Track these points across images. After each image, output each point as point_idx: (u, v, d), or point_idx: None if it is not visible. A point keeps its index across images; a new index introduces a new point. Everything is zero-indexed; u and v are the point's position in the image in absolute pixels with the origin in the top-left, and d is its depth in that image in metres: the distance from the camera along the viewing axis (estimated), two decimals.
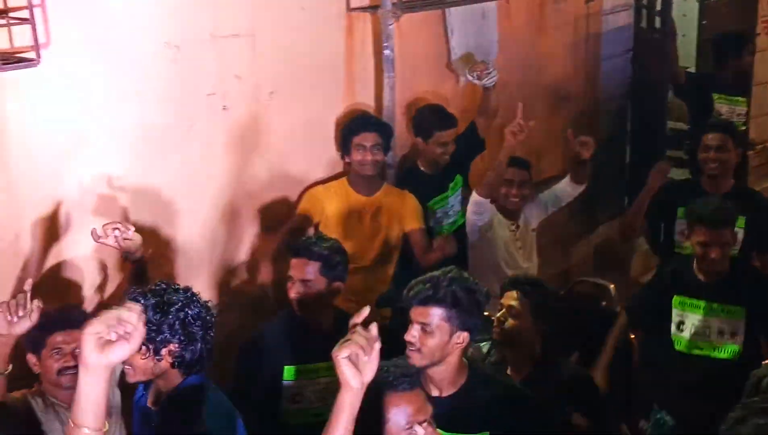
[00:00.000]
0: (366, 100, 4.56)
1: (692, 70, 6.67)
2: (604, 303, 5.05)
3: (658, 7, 5.80)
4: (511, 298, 3.41)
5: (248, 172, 4.12)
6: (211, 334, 2.56)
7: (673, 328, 3.84)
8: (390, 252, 4.38)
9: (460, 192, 4.75)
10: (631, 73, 6.33)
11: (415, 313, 2.76)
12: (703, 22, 6.60)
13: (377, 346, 2.05)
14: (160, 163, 3.75)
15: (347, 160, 4.30)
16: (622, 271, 6.31)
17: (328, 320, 3.37)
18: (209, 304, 2.59)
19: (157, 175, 3.75)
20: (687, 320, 3.82)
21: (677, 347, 3.85)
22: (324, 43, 4.31)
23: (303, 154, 4.35)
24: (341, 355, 2.01)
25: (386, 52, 4.29)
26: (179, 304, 2.47)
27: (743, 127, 6.22)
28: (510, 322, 3.39)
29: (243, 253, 4.22)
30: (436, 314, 2.74)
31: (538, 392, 3.17)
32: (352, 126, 4.25)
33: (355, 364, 2.01)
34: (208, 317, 2.54)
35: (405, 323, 2.82)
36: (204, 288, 3.56)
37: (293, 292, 3.34)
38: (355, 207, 4.28)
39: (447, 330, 2.75)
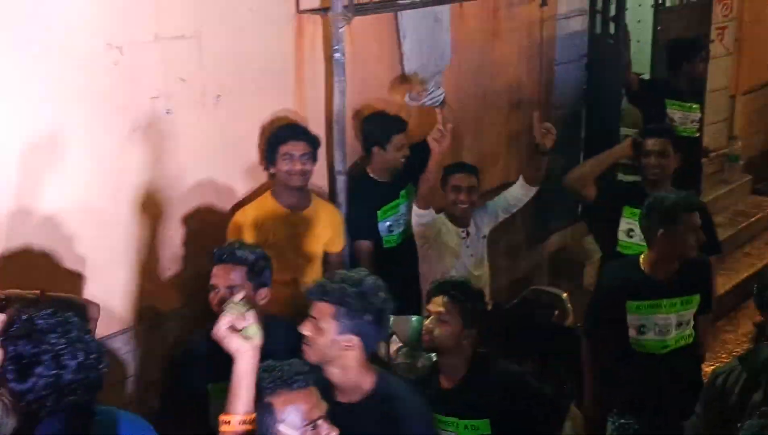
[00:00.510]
0: (316, 104, 4.53)
1: (647, 76, 6.75)
2: (557, 312, 5.09)
3: (612, 12, 5.84)
4: (439, 305, 3.40)
5: (192, 179, 4.07)
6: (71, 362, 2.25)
7: (632, 332, 3.91)
8: (315, 267, 4.29)
9: (411, 202, 4.74)
10: (585, 79, 6.38)
11: (311, 307, 2.80)
12: (658, 28, 6.67)
13: (251, 311, 2.33)
14: (96, 167, 3.68)
15: (272, 170, 4.17)
16: (575, 279, 6.37)
17: None
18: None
19: (94, 179, 3.68)
20: (648, 322, 3.91)
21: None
22: (273, 46, 4.28)
23: (252, 160, 4.31)
24: (221, 329, 2.28)
25: (336, 55, 4.27)
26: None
27: (697, 134, 6.33)
28: (439, 329, 3.38)
29: (178, 262, 4.14)
30: (322, 310, 2.75)
31: (472, 397, 3.26)
32: (280, 135, 4.14)
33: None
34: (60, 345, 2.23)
35: None
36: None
37: (217, 301, 3.26)
38: (280, 221, 4.14)
39: (334, 329, 2.75)
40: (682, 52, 6.09)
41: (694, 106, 6.22)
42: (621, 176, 5.97)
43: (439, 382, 3.44)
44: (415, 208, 4.41)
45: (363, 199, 4.59)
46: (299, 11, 4.33)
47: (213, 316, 2.63)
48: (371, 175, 4.67)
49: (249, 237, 3.97)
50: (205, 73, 4.00)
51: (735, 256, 7.16)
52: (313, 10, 4.37)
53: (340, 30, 4.21)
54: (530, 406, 3.37)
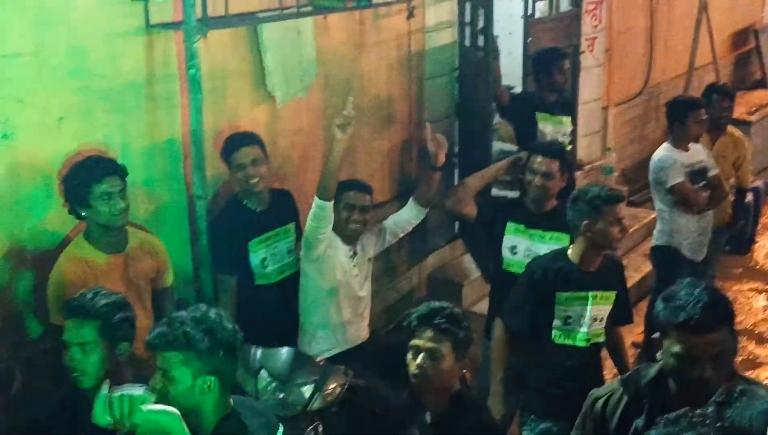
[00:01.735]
0: (171, 124, 4.39)
1: (519, 89, 6.88)
2: None
3: (481, 24, 5.90)
4: (428, 340, 3.21)
5: (37, 210, 3.87)
6: None
7: (558, 323, 4.10)
8: (146, 308, 4.09)
9: (293, 241, 4.66)
10: (457, 92, 6.44)
11: (157, 358, 2.70)
12: (528, 40, 6.79)
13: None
14: None
15: (84, 214, 3.82)
16: (454, 299, 6.39)
17: None
18: None
19: None
20: (575, 313, 4.10)
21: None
22: (121, 63, 4.13)
23: None
24: None
25: (192, 71, 4.14)
26: None
27: (569, 147, 6.46)
28: (433, 366, 3.20)
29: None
30: (170, 359, 2.66)
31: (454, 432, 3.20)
32: (93, 173, 3.77)
33: None
34: None
35: None
36: None
37: (68, 361, 3.09)
38: (100, 268, 3.87)
39: (187, 375, 2.66)
40: (540, 63, 6.23)
41: (565, 119, 6.36)
42: (495, 192, 6.05)
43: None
44: (316, 199, 4.34)
45: (229, 228, 4.45)
46: (149, 26, 4.19)
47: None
48: (244, 202, 4.54)
49: (70, 294, 3.62)
50: (46, 94, 3.82)
51: None
52: (164, 25, 4.23)
53: (195, 45, 4.08)
54: None
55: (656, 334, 2.72)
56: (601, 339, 4.23)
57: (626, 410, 2.73)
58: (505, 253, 4.71)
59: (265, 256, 4.55)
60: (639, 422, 2.67)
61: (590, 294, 4.10)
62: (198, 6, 4.12)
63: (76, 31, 3.93)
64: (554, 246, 4.47)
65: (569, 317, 4.12)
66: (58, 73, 3.87)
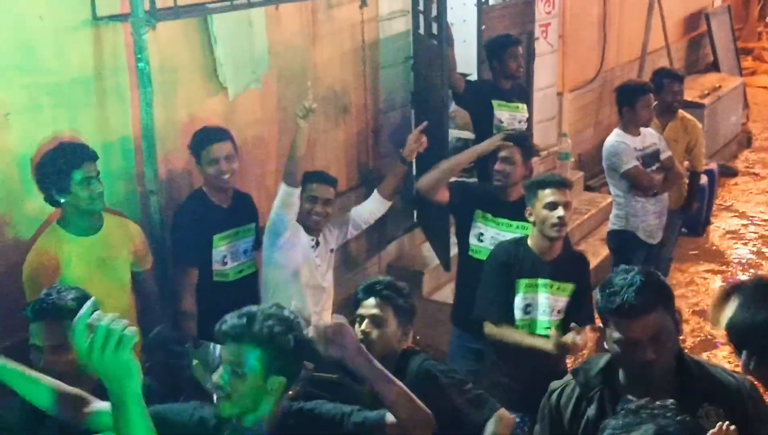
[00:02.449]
0: (122, 118, 4.32)
1: (474, 77, 6.87)
2: None
3: (435, 12, 5.87)
4: (371, 307, 3.39)
5: None
6: None
7: (519, 313, 4.12)
8: (126, 292, 4.10)
9: (252, 242, 4.62)
10: (412, 81, 6.41)
11: (226, 351, 2.60)
12: (482, 27, 6.78)
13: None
14: None
15: (63, 200, 3.81)
16: (414, 288, 6.38)
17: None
18: None
19: None
20: (535, 301, 4.14)
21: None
22: (69, 57, 4.05)
23: None
24: None
25: (141, 64, 4.07)
26: None
27: (526, 134, 6.47)
28: (376, 332, 3.37)
29: None
30: (247, 353, 2.57)
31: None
32: (72, 159, 3.78)
33: None
34: None
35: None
36: None
37: (46, 362, 2.97)
38: (76, 252, 3.88)
39: (260, 372, 2.58)
40: (493, 50, 6.23)
41: (521, 106, 6.36)
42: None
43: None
44: (282, 185, 4.36)
45: (193, 220, 4.41)
46: (96, 18, 4.11)
47: None
48: (208, 196, 4.48)
49: (48, 281, 3.66)
50: None
51: None
52: (111, 17, 4.15)
53: (143, 37, 4.01)
54: (441, 401, 3.27)
55: (600, 325, 2.72)
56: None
57: (578, 401, 2.73)
58: (472, 240, 4.72)
59: (225, 254, 4.51)
60: (590, 412, 2.67)
61: (545, 281, 4.11)
62: None
63: (22, 25, 3.85)
64: (519, 234, 4.49)
65: (529, 305, 4.13)
66: (5, 68, 3.79)
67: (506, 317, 4.14)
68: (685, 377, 2.63)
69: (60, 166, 3.76)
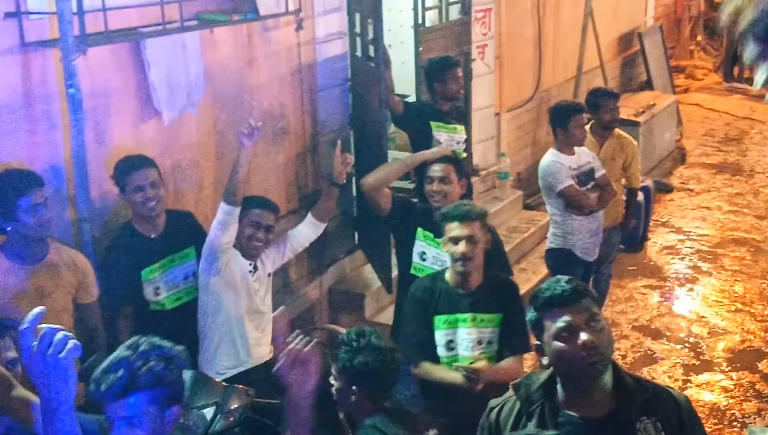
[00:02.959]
0: (54, 146, 4.23)
1: (412, 98, 6.89)
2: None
3: (371, 35, 5.88)
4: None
5: None
6: None
7: (442, 350, 4.05)
8: (66, 324, 3.95)
9: (193, 266, 4.56)
10: (350, 103, 6.41)
11: (113, 408, 2.48)
12: (420, 49, 6.82)
13: None
14: None
15: (9, 228, 3.78)
16: (356, 310, 6.36)
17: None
18: None
19: None
20: (456, 337, 4.04)
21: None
22: None
23: None
24: None
25: (71, 91, 3.99)
26: None
27: (464, 155, 6.50)
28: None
29: None
30: (141, 404, 2.47)
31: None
32: (19, 187, 3.75)
33: None
34: None
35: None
36: None
37: None
38: (18, 280, 3.82)
39: (156, 414, 2.50)
40: (433, 72, 6.26)
41: (458, 127, 6.38)
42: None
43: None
44: (222, 204, 4.31)
45: (119, 256, 4.35)
46: (25, 44, 4.02)
47: None
48: (136, 229, 4.42)
49: None
50: None
51: None
52: (40, 43, 4.07)
53: (73, 63, 3.93)
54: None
55: (536, 342, 2.74)
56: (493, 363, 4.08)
57: (518, 416, 2.75)
58: (415, 258, 4.73)
59: (158, 284, 4.44)
60: (531, 428, 2.67)
61: (464, 316, 4.03)
62: (75, 23, 3.96)
63: None
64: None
65: (451, 341, 4.05)
66: None
67: (428, 355, 4.07)
68: (622, 391, 2.66)
69: (6, 193, 3.71)
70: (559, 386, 2.70)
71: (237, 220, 4.37)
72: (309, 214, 4.98)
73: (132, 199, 4.30)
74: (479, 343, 4.06)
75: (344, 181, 4.96)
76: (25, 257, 3.87)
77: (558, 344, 2.63)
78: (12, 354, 3.06)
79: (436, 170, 4.70)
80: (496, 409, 2.82)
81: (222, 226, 4.33)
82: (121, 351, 2.54)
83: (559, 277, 2.74)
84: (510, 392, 2.82)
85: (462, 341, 4.04)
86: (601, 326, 2.63)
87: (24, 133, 4.11)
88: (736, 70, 14.31)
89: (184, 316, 4.50)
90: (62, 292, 3.98)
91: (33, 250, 3.88)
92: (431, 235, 4.69)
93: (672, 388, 2.84)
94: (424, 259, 4.71)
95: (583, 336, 2.58)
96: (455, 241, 4.00)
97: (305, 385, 2.65)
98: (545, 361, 2.70)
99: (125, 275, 4.33)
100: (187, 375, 3.99)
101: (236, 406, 4.00)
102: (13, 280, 3.81)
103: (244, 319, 4.55)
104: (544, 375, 2.76)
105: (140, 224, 4.40)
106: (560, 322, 2.62)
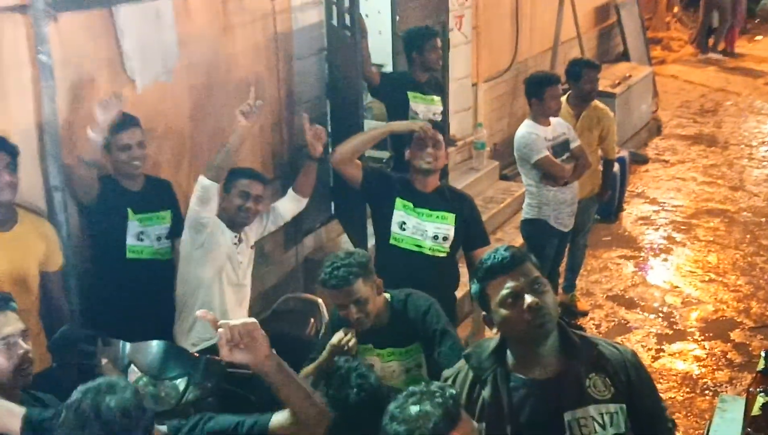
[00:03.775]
0: (24, 113, 4.17)
1: (389, 69, 6.85)
2: (312, 321, 5.02)
3: (347, 3, 5.83)
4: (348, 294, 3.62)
5: None
6: None
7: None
8: (32, 291, 4.01)
9: (167, 228, 4.58)
10: (327, 72, 6.35)
11: None
12: (397, 19, 6.77)
13: None
14: None
15: None
16: None
17: None
18: None
19: None
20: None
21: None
22: None
23: None
24: None
25: (42, 57, 3.94)
26: None
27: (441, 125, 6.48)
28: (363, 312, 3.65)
29: None
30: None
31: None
32: None
33: None
34: None
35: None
36: None
37: None
38: None
39: None
40: (412, 42, 6.22)
41: (436, 98, 6.37)
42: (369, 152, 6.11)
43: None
44: (201, 178, 4.29)
45: (102, 202, 4.38)
46: None
47: None
48: (118, 182, 4.47)
49: None
50: None
51: None
52: (9, 9, 4.00)
53: (44, 30, 3.87)
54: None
55: (483, 313, 2.78)
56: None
57: (472, 385, 2.79)
58: (395, 228, 4.70)
59: (142, 231, 4.48)
60: (485, 393, 2.74)
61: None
62: None
63: None
64: (440, 224, 4.64)
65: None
66: None
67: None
68: (569, 350, 2.73)
69: None
70: (508, 351, 2.76)
71: (216, 195, 4.35)
72: (290, 190, 4.98)
73: (118, 157, 4.35)
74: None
75: (320, 154, 4.92)
76: None
77: (504, 311, 2.67)
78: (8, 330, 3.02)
79: (429, 134, 4.66)
80: (450, 380, 2.86)
81: (201, 201, 4.30)
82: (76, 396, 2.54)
83: (498, 246, 2.79)
84: (461, 362, 2.87)
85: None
86: (545, 289, 2.68)
87: None
88: (710, 41, 14.40)
89: (158, 271, 4.53)
90: (29, 260, 3.96)
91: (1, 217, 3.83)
92: (410, 204, 4.67)
93: (620, 344, 2.91)
94: (404, 229, 4.69)
95: (528, 299, 2.63)
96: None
97: (258, 353, 2.63)
98: (494, 331, 2.75)
99: (107, 220, 4.38)
100: (157, 346, 4.00)
101: (209, 376, 4.00)
102: None
103: (226, 291, 4.53)
104: (494, 342, 2.81)
105: (122, 180, 4.44)
106: (504, 290, 2.66)
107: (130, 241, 4.45)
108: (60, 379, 4.26)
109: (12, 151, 3.82)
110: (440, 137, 4.71)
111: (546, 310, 2.65)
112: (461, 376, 2.83)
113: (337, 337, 3.63)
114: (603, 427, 2.67)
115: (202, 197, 4.29)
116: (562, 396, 2.68)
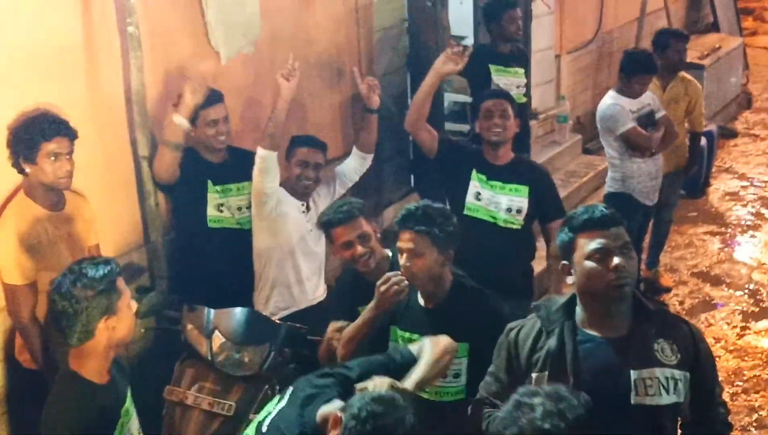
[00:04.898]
0: (113, 83, 4.28)
1: (470, 40, 6.81)
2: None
3: None
4: (407, 240, 3.41)
5: None
6: None
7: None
8: None
9: (246, 199, 4.60)
10: (408, 44, 6.35)
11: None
12: None
13: None
14: None
15: (29, 170, 3.73)
16: None
17: None
18: None
19: None
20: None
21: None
22: (55, 24, 3.98)
23: None
24: None
25: (130, 29, 4.04)
26: None
27: (524, 99, 6.43)
28: (415, 264, 3.40)
29: None
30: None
31: (453, 319, 3.40)
32: (44, 131, 3.68)
33: None
34: None
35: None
36: None
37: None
38: (45, 224, 3.82)
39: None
40: (491, 12, 6.16)
41: (519, 70, 6.31)
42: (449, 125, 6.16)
43: (419, 302, 3.55)
44: (259, 149, 4.34)
45: (196, 179, 4.48)
46: None
47: None
48: (200, 154, 4.54)
49: (21, 254, 3.70)
50: None
51: None
52: None
53: (131, 1, 3.96)
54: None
55: (564, 262, 2.84)
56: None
57: (538, 335, 2.87)
58: (470, 198, 4.68)
59: (222, 203, 4.56)
60: (551, 343, 2.81)
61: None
62: None
63: None
64: (513, 197, 4.62)
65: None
66: None
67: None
68: (641, 314, 2.81)
69: (31, 134, 3.67)
70: (578, 308, 2.84)
71: (275, 164, 4.38)
72: (354, 148, 4.95)
73: (204, 131, 4.41)
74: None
75: (377, 106, 4.86)
76: (47, 205, 3.83)
77: (590, 264, 2.75)
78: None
79: (494, 105, 4.63)
80: (516, 329, 2.96)
81: (261, 172, 4.35)
82: None
83: (595, 203, 2.85)
84: (527, 317, 2.96)
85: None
86: (632, 254, 2.77)
87: (83, 73, 4.15)
88: None
89: (239, 240, 4.57)
90: (83, 235, 4.00)
91: (54, 198, 3.85)
92: (484, 177, 4.66)
93: (692, 323, 2.96)
94: (479, 199, 4.68)
95: (616, 259, 2.71)
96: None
97: None
98: (570, 280, 2.83)
99: (189, 192, 4.48)
100: (241, 313, 4.09)
101: (290, 343, 4.08)
102: (41, 224, 3.81)
103: (299, 261, 4.58)
104: (564, 298, 2.89)
105: (204, 153, 4.52)
106: (595, 244, 2.74)
107: (211, 211, 4.53)
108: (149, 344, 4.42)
109: (74, 137, 3.78)
110: (508, 107, 4.64)
111: (629, 274, 2.73)
112: (528, 326, 2.92)
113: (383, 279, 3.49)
114: (667, 390, 2.74)
115: (262, 167, 4.33)
116: (629, 355, 2.75)
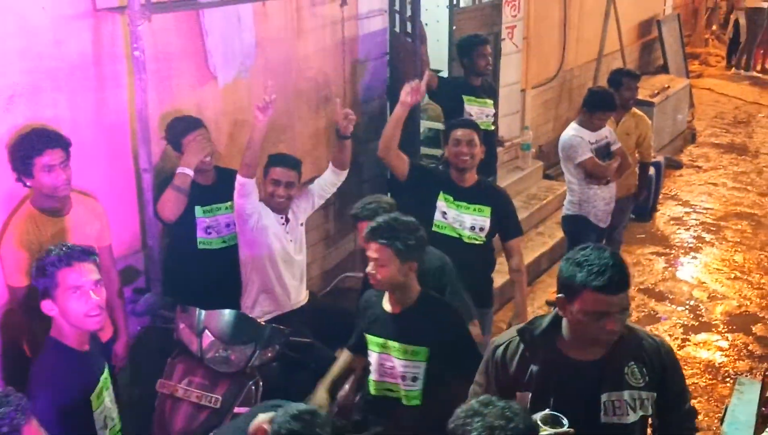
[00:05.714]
0: (119, 102, 4.27)
1: (445, 74, 6.84)
2: None
3: (409, 13, 5.84)
4: (373, 250, 3.49)
5: None
6: None
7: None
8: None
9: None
10: (388, 75, 6.38)
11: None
12: (453, 28, 6.76)
13: None
14: None
15: (29, 183, 3.68)
16: None
17: None
18: None
19: None
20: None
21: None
22: (69, 45, 3.98)
23: None
24: None
25: (136, 53, 4.02)
26: None
27: (492, 127, 6.47)
28: (380, 272, 3.48)
29: None
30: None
31: (416, 324, 3.52)
32: (35, 146, 3.61)
33: None
34: None
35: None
36: None
37: None
38: (47, 228, 3.78)
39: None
40: (463, 48, 6.22)
41: (489, 101, 6.36)
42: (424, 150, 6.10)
43: (387, 308, 3.63)
44: (238, 177, 4.29)
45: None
46: (96, 9, 4.05)
47: None
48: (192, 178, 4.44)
49: (27, 254, 3.66)
50: None
51: (529, 235, 7.42)
52: (110, 9, 4.10)
53: (138, 28, 3.96)
54: (461, 343, 3.57)
55: (561, 296, 2.72)
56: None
57: (523, 357, 2.80)
58: (438, 216, 4.73)
59: (209, 225, 4.50)
60: (534, 368, 2.76)
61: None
62: None
63: (23, 14, 3.78)
64: (476, 216, 4.69)
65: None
66: (10, 54, 3.73)
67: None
68: (617, 339, 2.74)
69: (24, 151, 3.61)
70: (564, 331, 2.77)
71: (254, 188, 4.34)
72: (330, 164, 4.87)
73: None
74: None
75: (349, 133, 4.76)
76: (51, 211, 3.78)
77: (585, 319, 2.64)
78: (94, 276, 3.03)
79: (463, 134, 4.66)
80: (502, 347, 2.88)
81: (241, 196, 4.32)
82: None
83: (603, 250, 2.65)
84: (512, 332, 2.89)
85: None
86: (626, 316, 2.67)
87: (92, 91, 4.14)
88: (733, 60, 14.04)
89: (227, 257, 4.54)
90: (89, 239, 3.86)
91: (57, 205, 3.80)
92: (451, 197, 4.72)
93: (658, 336, 2.94)
94: (446, 218, 4.72)
95: (614, 325, 2.63)
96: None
97: None
98: (554, 310, 2.77)
99: (184, 214, 4.39)
100: (229, 315, 4.07)
101: (274, 343, 4.06)
102: (46, 231, 3.76)
103: (281, 269, 4.56)
104: (546, 320, 2.82)
105: (195, 176, 4.42)
106: (601, 306, 2.60)
107: (200, 234, 4.48)
108: (144, 341, 4.39)
109: (67, 146, 3.70)
110: (475, 137, 4.67)
111: (619, 330, 2.69)
112: (512, 346, 2.85)
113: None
114: (633, 409, 2.73)
115: (242, 192, 4.30)
116: (602, 378, 2.73)
